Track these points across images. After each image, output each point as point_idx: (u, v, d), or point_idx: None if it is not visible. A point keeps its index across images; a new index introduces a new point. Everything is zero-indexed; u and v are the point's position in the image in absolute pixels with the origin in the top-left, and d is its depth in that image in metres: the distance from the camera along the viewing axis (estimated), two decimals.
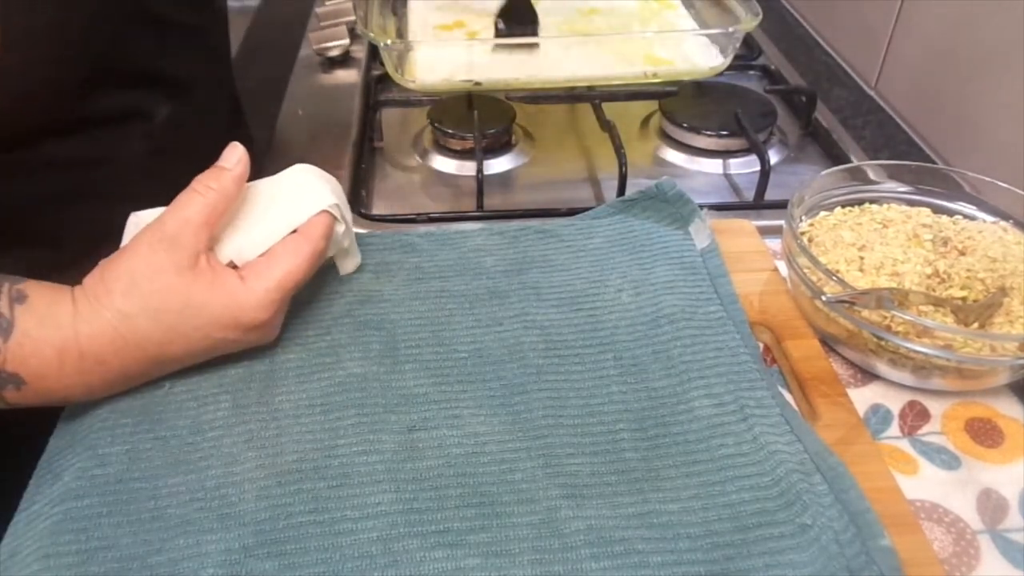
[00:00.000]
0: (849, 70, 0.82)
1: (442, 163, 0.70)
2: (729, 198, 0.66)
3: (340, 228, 0.47)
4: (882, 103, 0.76)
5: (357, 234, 0.53)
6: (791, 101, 0.79)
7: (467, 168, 0.69)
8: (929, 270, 0.47)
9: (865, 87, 0.79)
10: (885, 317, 0.44)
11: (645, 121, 0.76)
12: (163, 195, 0.42)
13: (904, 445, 0.43)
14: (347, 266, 0.51)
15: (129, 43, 0.47)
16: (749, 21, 0.71)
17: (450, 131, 0.69)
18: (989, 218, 0.52)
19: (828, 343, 0.49)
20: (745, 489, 0.39)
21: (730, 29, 0.72)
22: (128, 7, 0.47)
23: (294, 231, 0.44)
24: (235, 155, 0.42)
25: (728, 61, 0.74)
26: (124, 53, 0.47)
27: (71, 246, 0.46)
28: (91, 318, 0.39)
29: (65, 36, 0.43)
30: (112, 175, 0.50)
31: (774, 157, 0.70)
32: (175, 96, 0.52)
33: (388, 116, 0.76)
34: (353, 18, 0.85)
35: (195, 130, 0.54)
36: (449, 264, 0.53)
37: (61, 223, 0.49)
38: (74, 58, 0.45)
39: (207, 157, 0.43)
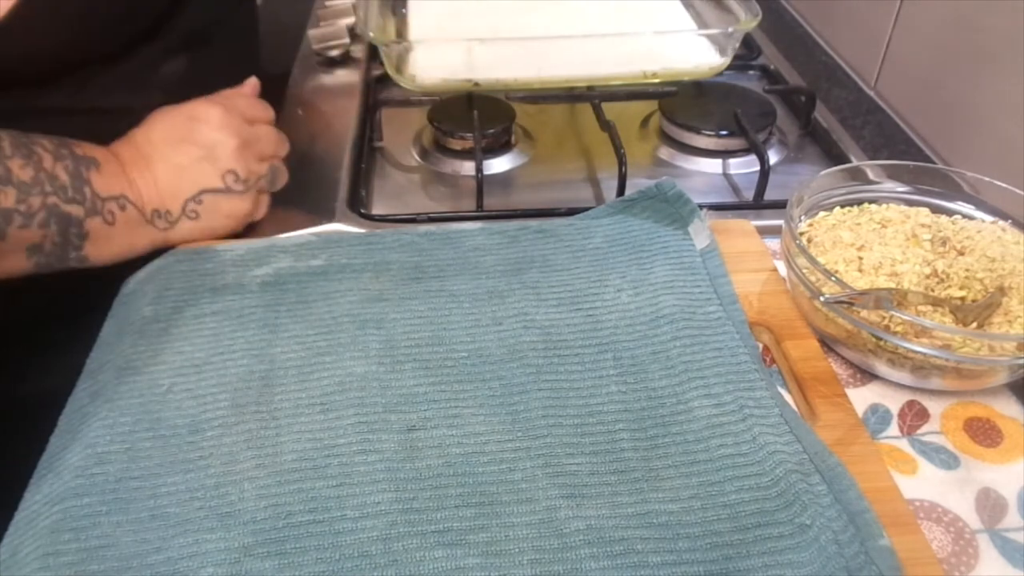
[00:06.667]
0: (848, 70, 0.82)
1: (442, 163, 0.70)
2: (728, 198, 0.66)
3: None
4: (881, 103, 0.76)
5: (357, 234, 0.53)
6: (790, 101, 0.79)
7: (467, 168, 0.69)
8: (928, 270, 0.47)
9: (864, 87, 0.79)
10: (884, 317, 0.44)
11: (645, 121, 0.76)
12: None
13: (903, 445, 0.43)
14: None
15: None
16: (748, 21, 0.71)
17: (450, 131, 0.69)
18: (988, 218, 0.52)
19: (827, 343, 0.49)
20: (744, 489, 0.39)
21: (730, 29, 0.72)
22: None
23: None
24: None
25: (728, 61, 0.74)
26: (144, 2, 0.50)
27: None
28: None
29: None
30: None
31: (773, 157, 0.70)
32: (193, 48, 0.53)
33: (388, 116, 0.76)
34: (353, 18, 0.85)
35: (211, 84, 0.54)
36: (449, 263, 0.53)
37: None
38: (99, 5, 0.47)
39: None
